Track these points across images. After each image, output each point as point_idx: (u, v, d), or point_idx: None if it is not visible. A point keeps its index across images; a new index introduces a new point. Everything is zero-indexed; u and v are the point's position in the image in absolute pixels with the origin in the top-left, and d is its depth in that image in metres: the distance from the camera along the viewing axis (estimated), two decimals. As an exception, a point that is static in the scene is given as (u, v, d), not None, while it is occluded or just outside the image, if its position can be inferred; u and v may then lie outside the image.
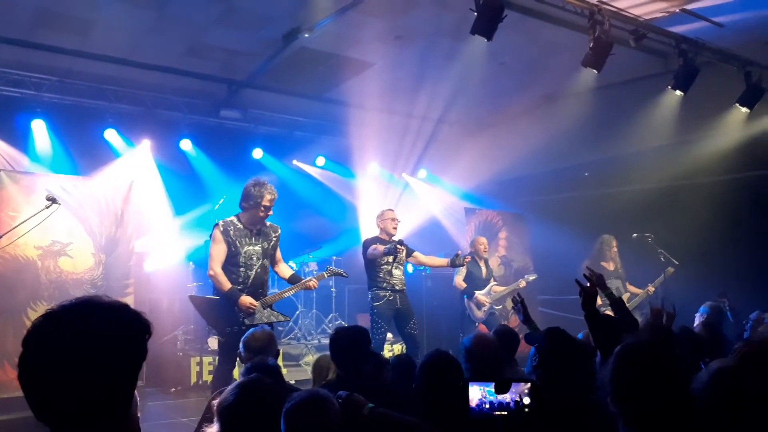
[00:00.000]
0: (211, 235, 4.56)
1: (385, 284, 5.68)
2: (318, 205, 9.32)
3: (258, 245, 4.55)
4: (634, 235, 7.11)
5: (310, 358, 6.66)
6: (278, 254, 4.73)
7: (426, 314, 8.37)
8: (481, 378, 2.24)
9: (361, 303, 7.96)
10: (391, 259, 5.69)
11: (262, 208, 4.44)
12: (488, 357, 3.03)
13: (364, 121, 8.15)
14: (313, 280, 4.67)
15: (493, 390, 2.19)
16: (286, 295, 4.68)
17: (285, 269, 4.79)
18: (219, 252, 4.45)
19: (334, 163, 9.45)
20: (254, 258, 4.49)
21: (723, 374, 1.60)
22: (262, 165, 8.88)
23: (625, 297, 6.96)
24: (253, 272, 4.48)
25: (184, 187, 8.06)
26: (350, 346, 3.02)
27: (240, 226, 4.52)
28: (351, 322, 8.86)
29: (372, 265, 5.79)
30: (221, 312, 4.44)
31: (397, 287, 5.70)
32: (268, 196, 4.48)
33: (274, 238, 4.68)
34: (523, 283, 7.43)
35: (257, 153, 8.74)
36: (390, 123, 8.36)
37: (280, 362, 6.60)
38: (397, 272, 5.76)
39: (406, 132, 8.79)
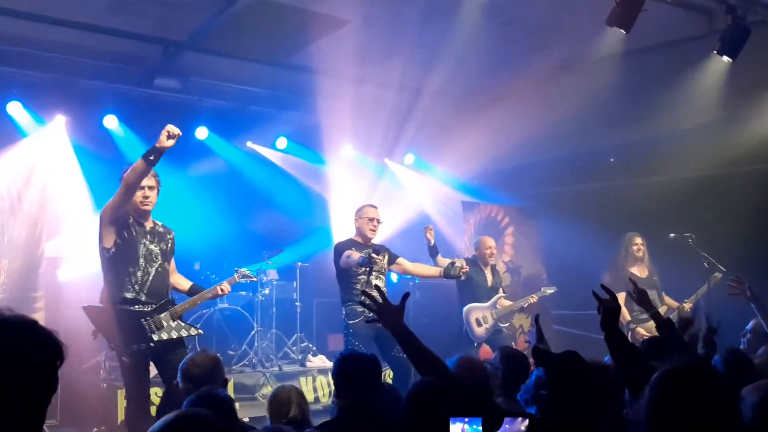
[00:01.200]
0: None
1: (361, 297, 5.74)
2: (278, 198, 9.30)
3: (155, 245, 4.71)
4: (672, 235, 7.16)
5: (269, 390, 6.70)
6: (173, 263, 4.89)
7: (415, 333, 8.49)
8: (466, 412, 2.20)
9: (334, 320, 7.95)
10: (368, 268, 5.79)
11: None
12: (475, 385, 3.06)
13: (336, 93, 8.16)
14: (225, 284, 4.91)
15: (480, 428, 2.18)
16: (198, 302, 4.95)
17: (182, 280, 4.99)
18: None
19: (298, 146, 9.46)
20: (154, 256, 4.67)
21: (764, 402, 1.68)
22: (208, 147, 8.86)
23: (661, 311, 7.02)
24: (153, 271, 4.64)
25: (108, 175, 7.73)
26: (359, 374, 3.14)
27: (134, 218, 4.69)
28: (320, 344, 8.94)
29: (346, 274, 5.88)
30: (124, 326, 4.50)
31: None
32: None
33: (170, 240, 4.84)
34: (534, 298, 7.44)
35: (201, 132, 8.70)
36: (369, 95, 8.34)
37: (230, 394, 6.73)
38: (378, 283, 5.80)
39: (389, 107, 8.84)
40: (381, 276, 5.92)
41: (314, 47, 7.52)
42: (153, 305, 4.61)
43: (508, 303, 7.30)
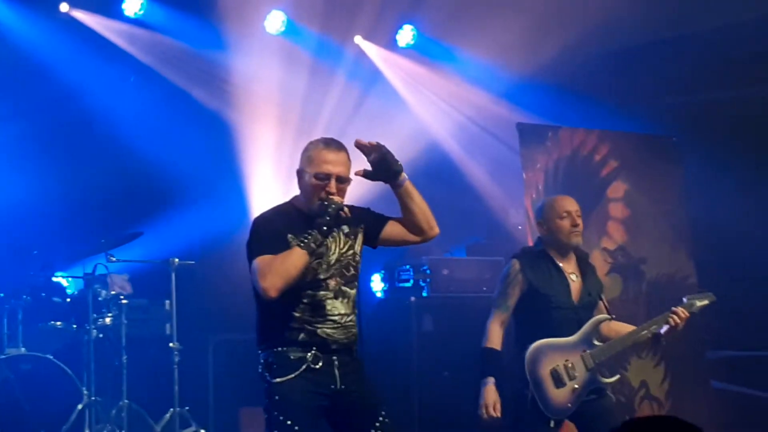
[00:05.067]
0: None
1: (300, 333, 5.65)
2: (131, 123, 9.41)
3: None
4: None
5: None
6: None
7: (421, 399, 8.72)
8: None
9: (250, 380, 7.40)
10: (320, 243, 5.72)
11: None
12: None
13: None
14: None
15: None
16: None
17: None
18: None
19: (169, 11, 9.57)
20: None
21: None
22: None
23: None
24: None
25: None
26: None
27: None
28: (225, 427, 9.18)
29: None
30: None
31: (332, 339, 5.76)
32: None
33: None
34: (676, 317, 7.06)
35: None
36: None
37: None
38: (336, 305, 5.76)
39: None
40: (348, 287, 5.77)
41: None
42: None
43: (620, 329, 7.12)
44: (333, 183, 5.72)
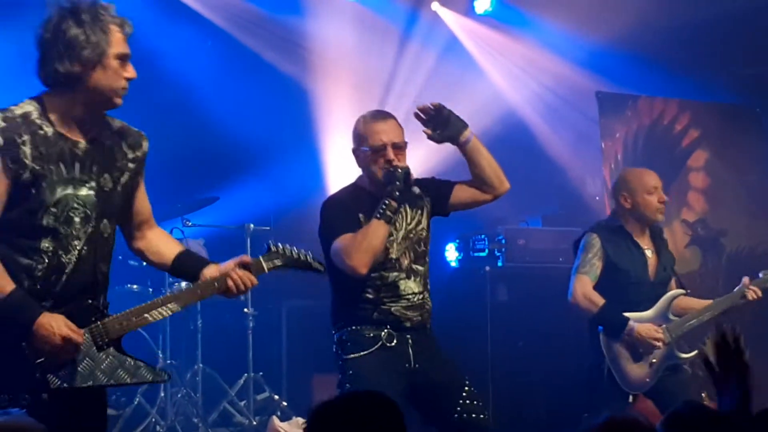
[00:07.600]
0: None
1: (374, 312, 5.75)
2: (205, 90, 9.47)
3: (88, 183, 4.62)
4: None
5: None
6: (143, 203, 4.89)
7: (495, 370, 8.72)
8: None
9: (323, 346, 7.31)
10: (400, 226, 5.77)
11: (111, 70, 4.53)
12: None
13: None
14: (237, 268, 4.81)
15: None
16: (167, 312, 4.84)
17: (161, 240, 5.02)
18: None
19: None
20: (77, 215, 4.64)
21: None
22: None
23: None
24: (75, 252, 4.63)
25: None
26: None
27: (48, 130, 4.54)
28: (298, 394, 9.17)
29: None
30: None
31: (406, 317, 5.82)
32: (117, 35, 4.48)
33: (131, 163, 4.76)
34: (754, 292, 7.11)
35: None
36: None
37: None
38: (409, 285, 5.84)
39: None
40: (419, 265, 5.84)
41: None
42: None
43: (694, 305, 7.16)
44: (390, 150, 5.72)
